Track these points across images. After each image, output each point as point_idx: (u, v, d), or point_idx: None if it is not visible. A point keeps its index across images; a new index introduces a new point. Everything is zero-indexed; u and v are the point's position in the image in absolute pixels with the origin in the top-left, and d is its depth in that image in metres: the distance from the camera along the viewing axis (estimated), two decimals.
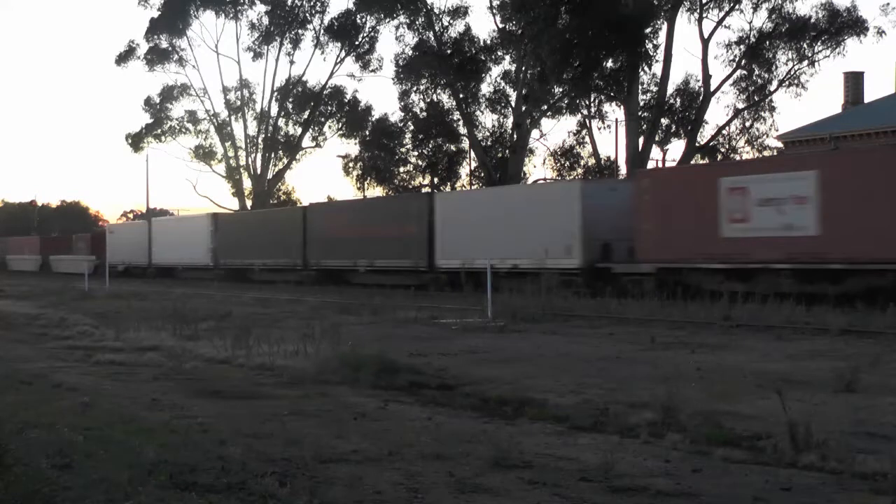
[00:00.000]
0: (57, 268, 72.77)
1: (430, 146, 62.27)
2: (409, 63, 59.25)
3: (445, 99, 60.43)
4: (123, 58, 72.60)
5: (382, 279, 39.40)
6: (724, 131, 54.92)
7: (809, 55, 50.71)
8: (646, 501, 6.64)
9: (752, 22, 51.22)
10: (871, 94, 50.74)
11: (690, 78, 54.20)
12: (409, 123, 62.45)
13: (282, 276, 46.91)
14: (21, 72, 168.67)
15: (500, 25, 57.48)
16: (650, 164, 53.93)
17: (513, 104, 58.83)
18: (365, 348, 14.07)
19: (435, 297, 30.21)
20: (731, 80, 52.48)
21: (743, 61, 51.64)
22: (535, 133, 58.88)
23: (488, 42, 58.93)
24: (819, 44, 50.29)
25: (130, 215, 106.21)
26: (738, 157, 54.51)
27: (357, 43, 67.78)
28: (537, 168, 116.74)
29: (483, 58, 59.18)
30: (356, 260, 43.10)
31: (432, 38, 58.59)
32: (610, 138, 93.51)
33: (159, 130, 74.03)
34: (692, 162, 53.25)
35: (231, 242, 53.67)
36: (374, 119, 67.79)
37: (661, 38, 51.27)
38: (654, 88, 52.50)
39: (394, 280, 38.37)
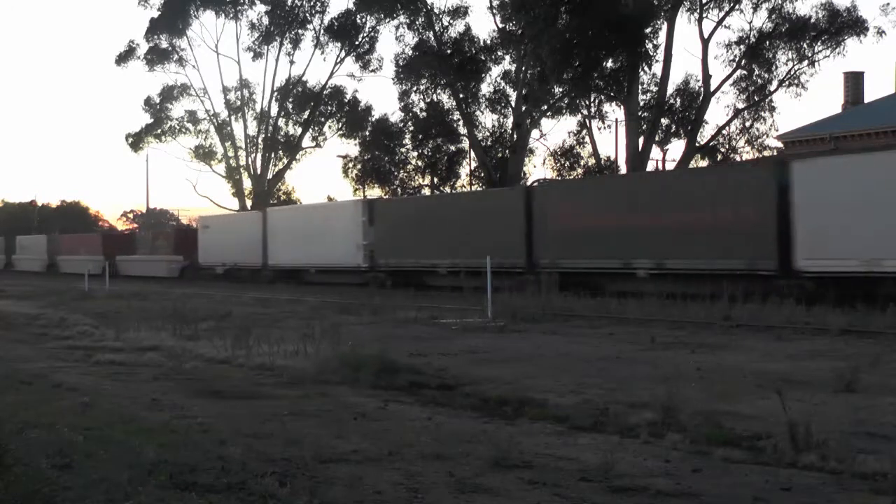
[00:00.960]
0: (126, 270, 60.87)
1: (430, 146, 62.25)
2: (409, 63, 59.24)
3: (445, 99, 60.46)
4: (123, 58, 72.59)
5: (687, 286, 26.41)
6: (724, 131, 54.95)
7: (809, 55, 50.73)
8: (646, 501, 6.65)
9: (752, 22, 51.27)
10: (871, 94, 50.81)
11: (690, 78, 54.25)
12: (409, 123, 62.43)
13: (491, 282, 25.67)
14: (21, 72, 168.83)
15: (500, 25, 57.52)
16: (650, 164, 54.03)
17: (513, 104, 58.83)
18: (365, 348, 14.08)
19: (436, 297, 30.20)
20: (731, 80, 52.53)
21: (743, 61, 51.65)
22: (535, 133, 58.92)
23: (488, 42, 58.95)
24: (819, 44, 50.30)
25: (130, 215, 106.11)
26: (738, 158, 54.58)
27: (357, 43, 67.78)
28: (537, 168, 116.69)
29: (483, 58, 59.17)
30: (630, 259, 30.05)
31: (432, 38, 58.59)
32: (610, 138, 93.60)
33: (159, 130, 73.99)
34: (692, 162, 53.29)
35: (397, 237, 39.94)
36: (374, 119, 67.79)
37: (661, 38, 51.33)
38: (654, 88, 52.51)
39: (707, 287, 25.50)
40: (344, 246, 42.73)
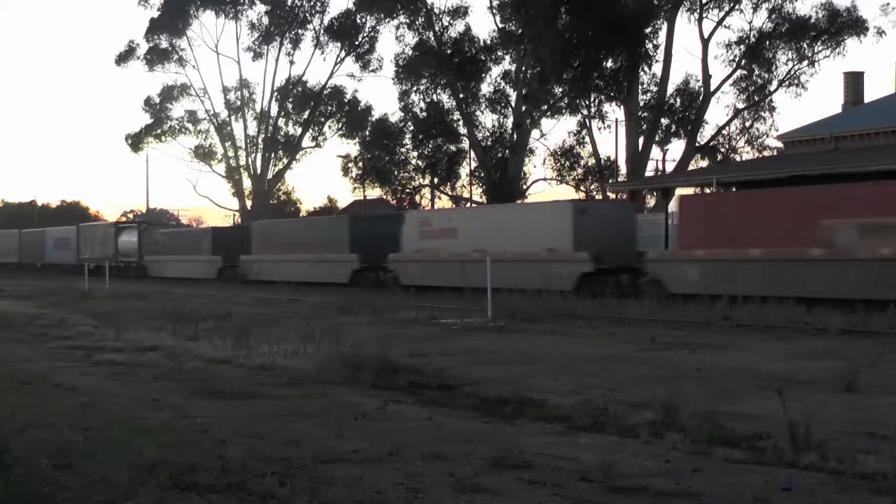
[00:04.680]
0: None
1: (430, 146, 62.26)
2: (409, 63, 59.26)
3: (445, 99, 60.49)
4: (123, 58, 72.64)
5: None
6: (724, 131, 55.01)
7: (809, 55, 50.77)
8: (646, 501, 6.65)
9: (752, 22, 51.31)
10: (871, 94, 50.70)
11: (690, 78, 54.29)
12: (409, 123, 62.44)
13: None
14: (21, 72, 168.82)
15: (500, 25, 57.54)
16: (650, 165, 54.08)
17: (513, 104, 58.85)
18: (365, 348, 14.08)
19: (435, 297, 30.20)
20: (731, 80, 52.58)
21: (743, 61, 51.68)
22: (535, 133, 58.96)
23: (488, 42, 58.97)
24: (819, 44, 50.33)
25: (130, 215, 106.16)
26: (738, 158, 54.59)
27: (357, 43, 67.83)
28: (537, 168, 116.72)
29: (483, 58, 59.19)
30: None
31: (432, 38, 58.61)
32: (610, 138, 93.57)
33: (159, 130, 74.04)
34: (692, 162, 53.31)
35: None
36: (374, 119, 67.82)
37: (661, 38, 51.37)
38: (654, 88, 52.53)
39: None
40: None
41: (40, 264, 68.88)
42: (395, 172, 63.94)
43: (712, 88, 52.07)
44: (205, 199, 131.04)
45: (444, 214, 40.87)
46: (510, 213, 36.24)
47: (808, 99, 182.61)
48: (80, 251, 66.17)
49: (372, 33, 67.20)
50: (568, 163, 60.20)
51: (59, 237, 70.93)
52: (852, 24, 49.49)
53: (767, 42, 50.89)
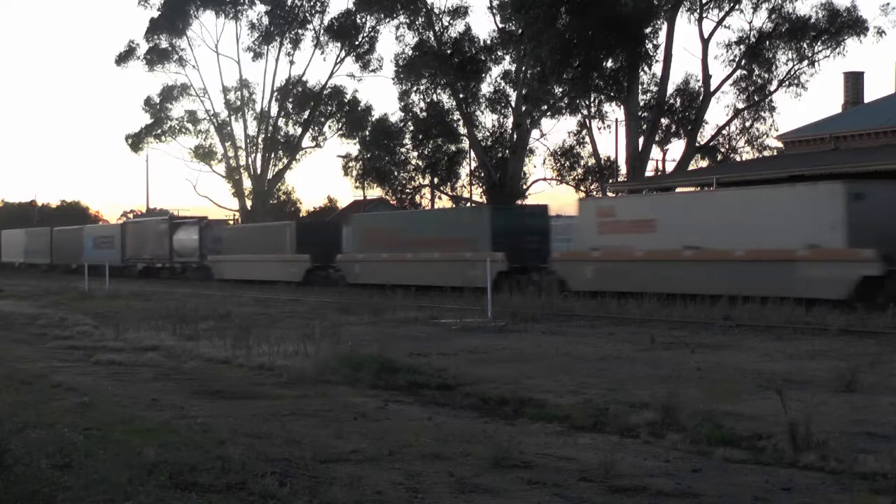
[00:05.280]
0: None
1: (430, 146, 62.19)
2: (409, 63, 59.21)
3: (445, 99, 60.40)
4: (123, 58, 72.57)
5: None
6: (724, 131, 54.92)
7: (809, 55, 50.70)
8: (646, 501, 6.65)
9: (752, 22, 51.21)
10: (871, 94, 50.71)
11: (690, 78, 54.16)
12: (409, 123, 62.37)
13: None
14: (21, 72, 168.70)
15: (500, 25, 57.48)
16: (650, 165, 54.03)
17: (513, 104, 58.80)
18: (365, 348, 14.09)
19: (435, 297, 30.20)
20: (731, 80, 52.47)
21: (743, 61, 51.63)
22: (535, 133, 58.83)
23: (488, 42, 58.89)
24: (819, 44, 50.28)
25: (130, 215, 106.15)
26: (738, 158, 54.57)
27: (357, 43, 67.78)
28: (537, 168, 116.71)
29: (483, 58, 59.14)
30: None
31: (432, 38, 58.57)
32: (610, 138, 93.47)
33: (159, 130, 73.98)
34: (692, 162, 53.29)
35: None
36: (374, 119, 67.74)
37: (661, 38, 51.27)
38: (654, 88, 52.47)
39: None
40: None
41: (76, 265, 59.11)
42: (395, 172, 63.90)
43: (712, 88, 52.03)
44: (205, 199, 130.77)
45: (637, 202, 32.26)
46: (742, 198, 27.61)
47: (808, 99, 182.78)
48: (125, 251, 59.93)
49: (372, 33, 67.17)
50: (568, 163, 60.13)
51: (101, 235, 64.18)
52: (852, 24, 49.45)
53: (767, 42, 50.84)
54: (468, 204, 59.32)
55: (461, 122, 60.17)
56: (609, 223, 29.93)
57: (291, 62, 71.03)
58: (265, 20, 69.00)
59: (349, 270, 39.79)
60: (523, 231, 33.83)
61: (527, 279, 31.03)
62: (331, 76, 70.05)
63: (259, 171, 72.06)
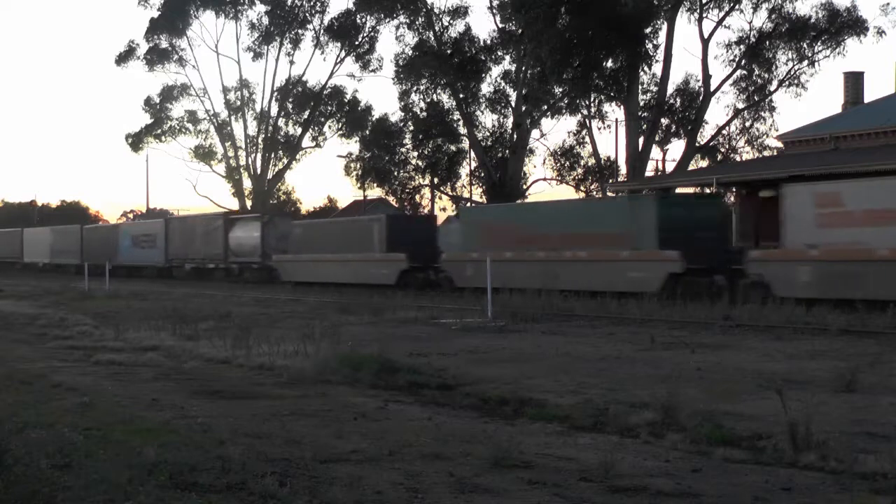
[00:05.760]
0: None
1: (430, 146, 62.24)
2: (409, 63, 59.24)
3: (445, 99, 60.45)
4: (123, 58, 72.63)
5: None
6: (724, 131, 54.99)
7: (809, 55, 50.75)
8: (646, 501, 6.65)
9: (752, 22, 51.27)
10: (871, 94, 50.73)
11: (690, 78, 54.25)
12: (409, 123, 62.42)
13: None
14: (21, 72, 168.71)
15: (500, 25, 57.54)
16: (650, 165, 54.04)
17: (513, 104, 58.84)
18: (365, 348, 14.09)
19: (434, 297, 30.19)
20: (731, 80, 52.54)
21: (743, 61, 51.66)
22: (535, 133, 58.95)
23: (488, 42, 58.96)
24: (819, 44, 50.31)
25: (130, 215, 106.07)
26: (738, 158, 54.59)
27: (357, 43, 67.82)
28: (537, 168, 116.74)
29: (483, 58, 59.18)
30: None
31: (432, 38, 58.60)
32: (610, 138, 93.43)
33: (159, 130, 74.04)
34: (692, 162, 53.29)
35: None
36: (374, 119, 67.80)
37: (661, 38, 51.34)
38: (654, 88, 52.52)
39: None
40: None
41: (111, 266, 51.46)
42: (395, 172, 63.94)
43: (712, 88, 52.07)
44: (205, 199, 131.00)
45: (876, 188, 24.75)
46: None
47: (808, 99, 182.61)
48: (169, 250, 54.94)
49: (372, 33, 67.23)
50: (568, 163, 60.20)
51: (140, 233, 58.66)
52: (852, 24, 49.48)
53: (767, 42, 50.88)
54: (469, 204, 59.22)
55: (461, 122, 60.20)
56: (833, 215, 24.23)
57: (291, 62, 71.17)
58: (265, 20, 69.09)
59: (458, 272, 34.02)
60: (697, 224, 27.87)
61: (708, 282, 26.31)
62: (331, 76, 70.20)
63: (259, 171, 72.11)
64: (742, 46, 51.23)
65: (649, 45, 50.37)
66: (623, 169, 53.40)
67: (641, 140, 51.39)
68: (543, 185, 64.09)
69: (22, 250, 74.30)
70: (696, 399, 10.11)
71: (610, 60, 49.76)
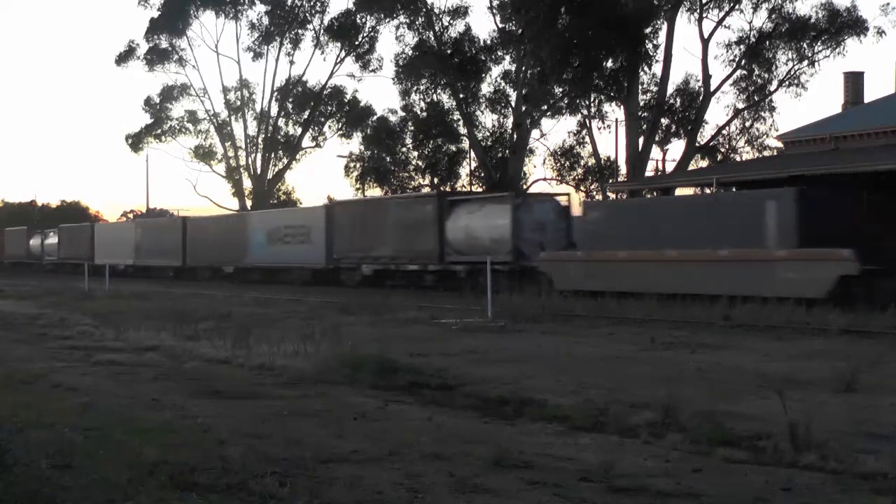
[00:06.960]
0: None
1: (431, 146, 62.24)
2: (409, 63, 59.22)
3: (445, 99, 60.43)
4: (123, 58, 72.58)
5: None
6: (724, 131, 55.00)
7: (809, 55, 50.75)
8: (646, 501, 6.65)
9: (752, 22, 51.26)
10: (871, 94, 50.71)
11: (690, 78, 54.24)
12: (409, 123, 62.42)
13: None
14: (21, 72, 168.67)
15: (500, 25, 57.48)
16: (650, 165, 54.05)
17: (513, 104, 58.81)
18: (365, 348, 14.08)
19: (435, 297, 30.17)
20: (731, 80, 52.54)
21: (743, 61, 51.66)
22: (535, 133, 58.88)
23: (488, 42, 58.92)
24: (819, 44, 50.31)
25: (130, 215, 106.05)
26: (738, 158, 54.58)
27: (357, 43, 67.76)
28: (537, 168, 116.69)
29: (483, 58, 59.15)
30: None
31: (432, 38, 58.57)
32: (610, 138, 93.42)
33: (159, 130, 74.00)
34: (692, 162, 53.28)
35: None
36: (374, 119, 67.76)
37: (661, 38, 51.33)
38: (654, 88, 52.52)
39: None
40: None
41: (233, 269, 42.71)
42: (396, 172, 63.94)
43: (712, 88, 52.07)
44: (205, 199, 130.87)
45: None
46: None
47: (808, 99, 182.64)
48: (332, 247, 40.97)
49: (372, 33, 67.16)
50: (568, 163, 60.20)
51: (284, 225, 44.27)
52: (852, 24, 49.47)
53: (767, 42, 50.87)
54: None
55: (461, 122, 60.20)
56: None
57: (291, 62, 71.11)
58: (265, 20, 69.04)
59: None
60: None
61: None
62: (331, 76, 70.13)
63: (259, 171, 72.07)
64: (742, 46, 51.24)
65: (649, 45, 50.41)
66: (623, 169, 53.41)
67: (641, 140, 51.37)
68: (543, 185, 64.05)
69: (92, 250, 62.24)
70: (697, 399, 10.11)
71: (610, 60, 49.77)
